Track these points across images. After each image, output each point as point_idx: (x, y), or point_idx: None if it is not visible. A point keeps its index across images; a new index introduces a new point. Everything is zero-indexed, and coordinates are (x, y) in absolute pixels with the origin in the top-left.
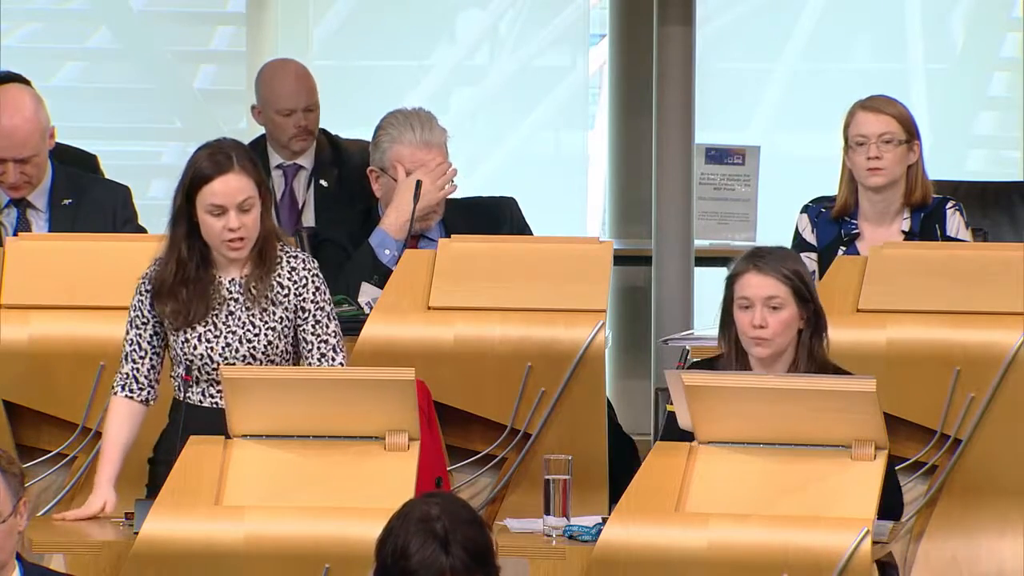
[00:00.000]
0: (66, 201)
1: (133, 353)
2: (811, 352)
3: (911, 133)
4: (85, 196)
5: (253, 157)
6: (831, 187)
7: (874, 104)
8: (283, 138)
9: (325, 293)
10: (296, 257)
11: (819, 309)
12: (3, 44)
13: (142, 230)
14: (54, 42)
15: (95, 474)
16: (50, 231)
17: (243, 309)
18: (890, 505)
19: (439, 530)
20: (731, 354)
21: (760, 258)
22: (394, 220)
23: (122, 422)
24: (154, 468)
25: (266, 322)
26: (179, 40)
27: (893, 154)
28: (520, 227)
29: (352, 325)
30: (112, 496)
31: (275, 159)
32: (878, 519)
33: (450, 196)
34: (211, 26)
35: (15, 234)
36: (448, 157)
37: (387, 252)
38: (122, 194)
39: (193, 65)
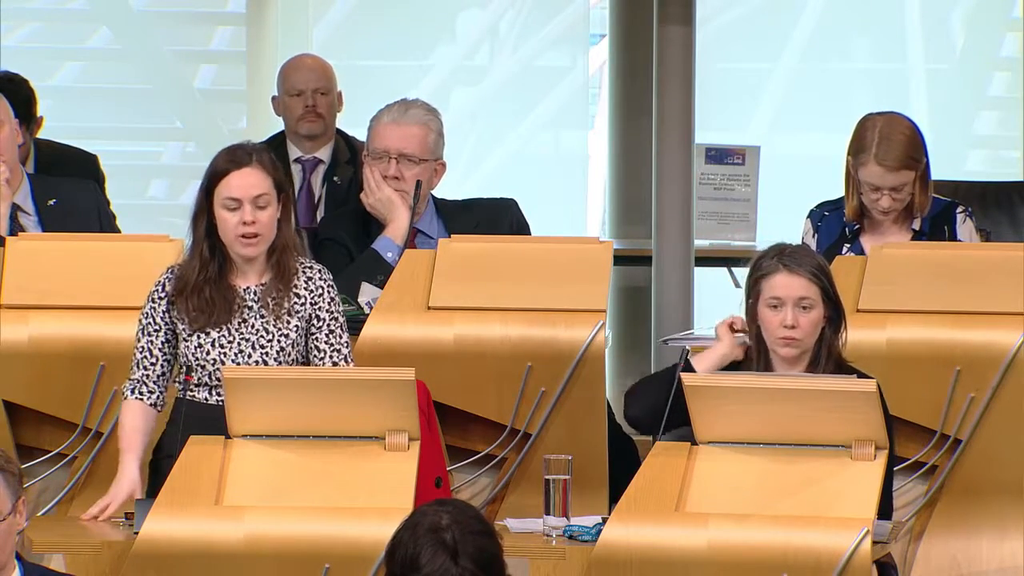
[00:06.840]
0: (51, 202)
1: (144, 360)
2: (830, 349)
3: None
4: (66, 198)
5: (275, 160)
6: (831, 187)
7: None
8: (292, 121)
9: (338, 304)
10: (312, 267)
11: (840, 306)
12: (3, 44)
13: (107, 201)
14: (54, 42)
15: (117, 466)
16: (43, 231)
17: (257, 317)
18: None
19: (448, 540)
20: (754, 352)
21: (788, 257)
22: (393, 231)
23: (137, 418)
24: (154, 468)
25: (280, 329)
26: (179, 40)
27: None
28: (520, 228)
29: (352, 325)
30: (139, 483)
31: (294, 152)
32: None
33: (450, 197)
34: (211, 26)
35: (11, 235)
36: (427, 139)
37: (390, 255)
38: (94, 184)
39: (193, 65)
